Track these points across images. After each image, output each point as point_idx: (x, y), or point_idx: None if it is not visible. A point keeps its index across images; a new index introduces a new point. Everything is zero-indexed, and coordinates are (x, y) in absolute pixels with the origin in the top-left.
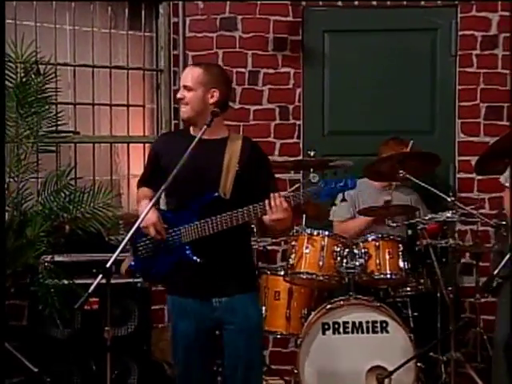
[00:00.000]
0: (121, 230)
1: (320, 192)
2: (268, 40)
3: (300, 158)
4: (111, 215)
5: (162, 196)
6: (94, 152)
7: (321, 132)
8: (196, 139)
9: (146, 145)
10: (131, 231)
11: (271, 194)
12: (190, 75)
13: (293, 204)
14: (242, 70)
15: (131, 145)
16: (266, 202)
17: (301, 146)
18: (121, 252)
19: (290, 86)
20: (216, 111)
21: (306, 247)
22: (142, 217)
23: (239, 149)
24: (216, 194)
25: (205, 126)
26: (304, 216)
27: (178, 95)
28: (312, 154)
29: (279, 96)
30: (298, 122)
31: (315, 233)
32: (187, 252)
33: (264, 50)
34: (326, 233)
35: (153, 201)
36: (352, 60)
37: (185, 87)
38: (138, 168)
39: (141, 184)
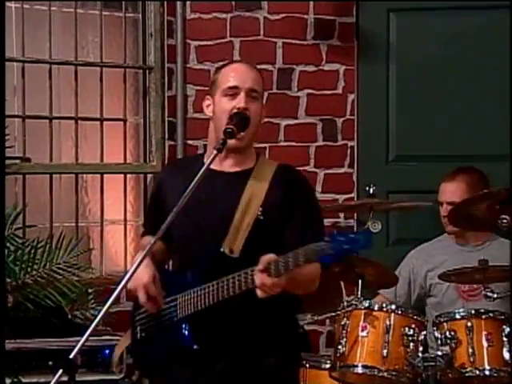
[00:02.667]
0: (91, 302)
1: (322, 250)
2: (306, 23)
3: (353, 195)
4: (76, 281)
5: None
6: (52, 187)
7: (384, 158)
8: (201, 171)
9: (129, 176)
10: (111, 298)
11: (255, 270)
12: (255, 74)
13: (281, 272)
14: (269, 67)
15: (106, 176)
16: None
17: (354, 177)
18: (93, 335)
19: (339, 91)
20: (232, 129)
21: (363, 328)
22: (128, 274)
23: (267, 183)
24: (220, 250)
25: (214, 152)
26: (360, 281)
27: (243, 104)
28: (371, 189)
29: (323, 105)
30: (350, 144)
31: (376, 307)
32: (184, 333)
33: (300, 37)
34: (393, 307)
35: (145, 251)
36: (431, 52)
37: (251, 91)
38: (116, 210)
39: (145, 232)
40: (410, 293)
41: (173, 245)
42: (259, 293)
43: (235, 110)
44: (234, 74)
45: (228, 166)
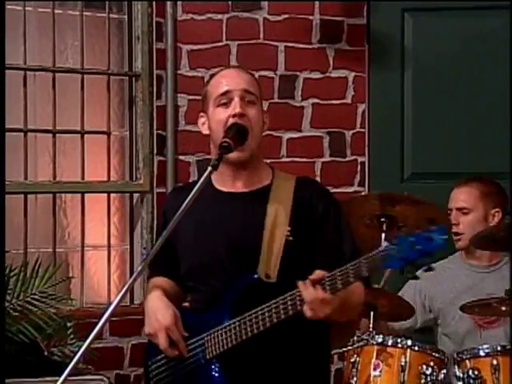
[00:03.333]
0: (70, 337)
1: (388, 255)
2: (311, 25)
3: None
4: (54, 313)
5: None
6: (27, 208)
7: (399, 175)
8: (196, 188)
9: (112, 195)
10: (93, 332)
11: (300, 283)
12: (248, 77)
13: (338, 287)
14: (270, 73)
15: (88, 196)
16: (299, 287)
17: None
18: (72, 375)
19: (348, 101)
20: (228, 143)
21: (376, 366)
22: (113, 306)
23: (290, 200)
24: (255, 277)
25: (209, 168)
26: (372, 313)
27: (238, 109)
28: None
29: (330, 116)
30: (360, 159)
31: (390, 342)
32: (214, 375)
33: (305, 41)
34: (409, 342)
35: (128, 283)
36: (451, 56)
37: (246, 93)
38: (98, 234)
39: (151, 272)
40: (416, 320)
41: (185, 282)
42: (308, 312)
43: (231, 120)
44: (224, 80)
45: (241, 185)
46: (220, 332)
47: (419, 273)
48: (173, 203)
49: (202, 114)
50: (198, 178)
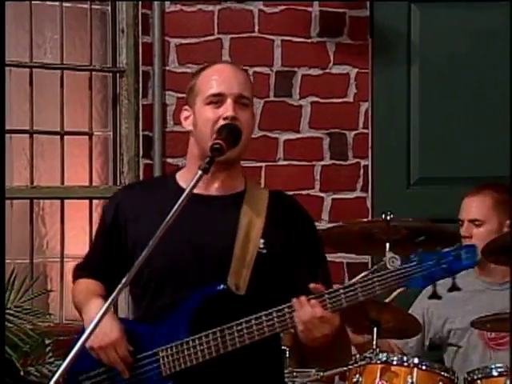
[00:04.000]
0: (48, 355)
1: (410, 273)
2: (310, 17)
3: (368, 224)
4: (31, 329)
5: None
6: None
7: (404, 180)
8: (186, 192)
9: (95, 202)
10: (70, 356)
11: (295, 300)
12: (242, 77)
13: (342, 304)
14: (265, 70)
15: (68, 202)
16: (293, 305)
17: (369, 204)
18: None
19: (350, 99)
20: (220, 145)
21: None
22: (89, 330)
23: (264, 212)
24: (222, 287)
25: (199, 172)
26: (375, 329)
27: (230, 112)
28: (389, 218)
29: (330, 116)
30: (363, 163)
31: (395, 360)
32: None
33: (303, 34)
34: (416, 360)
35: (110, 300)
36: (461, 51)
37: (240, 97)
38: (79, 244)
39: (81, 272)
40: (423, 338)
41: (136, 288)
42: (303, 332)
43: (222, 121)
44: (218, 78)
45: (215, 189)
46: (181, 348)
47: (443, 292)
48: (128, 201)
49: (186, 107)
50: (162, 177)
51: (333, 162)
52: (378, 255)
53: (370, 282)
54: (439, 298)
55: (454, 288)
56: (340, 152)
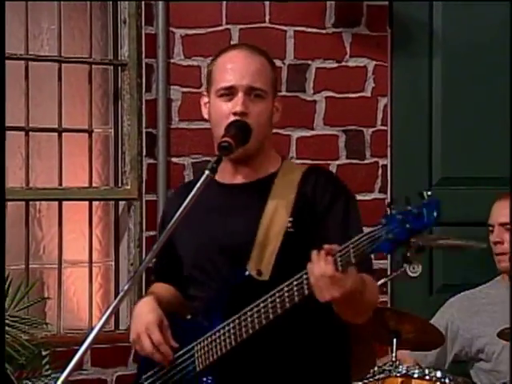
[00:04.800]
0: (45, 367)
1: (377, 237)
2: (325, 6)
3: None
4: (26, 340)
5: None
6: None
7: (426, 180)
8: (191, 195)
9: (95, 203)
10: (73, 362)
11: (314, 252)
12: (257, 65)
13: (341, 265)
14: (277, 62)
15: (66, 204)
16: (311, 256)
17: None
18: None
19: (368, 94)
20: (228, 143)
21: None
22: (95, 330)
23: (294, 189)
24: (246, 274)
25: (206, 173)
26: (395, 340)
27: (241, 107)
28: None
29: (346, 112)
30: (382, 162)
31: (417, 373)
32: None
33: (318, 24)
34: (439, 374)
35: (124, 289)
36: (486, 42)
37: (252, 90)
38: (78, 248)
39: (154, 277)
40: (446, 352)
41: (186, 290)
42: (320, 293)
43: (232, 117)
44: (230, 68)
45: (243, 177)
46: (210, 339)
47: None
48: (173, 207)
49: (205, 93)
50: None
51: (349, 161)
52: (396, 261)
53: (353, 242)
54: (410, 262)
55: (420, 248)
56: (357, 150)
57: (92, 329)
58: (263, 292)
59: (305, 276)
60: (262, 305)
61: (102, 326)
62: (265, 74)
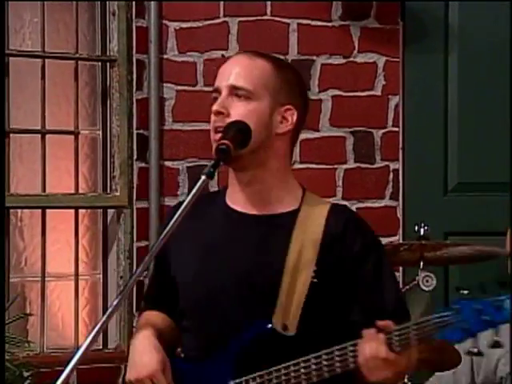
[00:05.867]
0: None
1: (447, 324)
2: None
3: (397, 237)
4: (7, 360)
5: None
6: None
7: (441, 186)
8: (184, 205)
9: (81, 211)
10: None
11: (366, 331)
12: (248, 67)
13: (398, 345)
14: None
15: (50, 212)
16: (359, 344)
17: (399, 213)
18: None
19: (378, 92)
20: (226, 145)
21: None
22: (82, 349)
23: (320, 233)
24: (269, 327)
25: (202, 178)
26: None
27: (216, 106)
28: (423, 230)
29: (354, 112)
30: (393, 166)
31: None
32: None
33: (323, 17)
34: None
35: (104, 319)
36: (506, 37)
37: (234, 89)
38: (63, 260)
39: (145, 304)
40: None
41: (183, 319)
42: (369, 373)
43: (213, 118)
44: (222, 69)
45: (255, 206)
46: None
47: (484, 347)
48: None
49: None
50: (215, 192)
51: (357, 165)
52: (410, 273)
53: (420, 324)
54: (481, 354)
55: (495, 345)
56: (366, 154)
57: (78, 348)
58: (286, 349)
59: (350, 348)
60: (292, 368)
61: (89, 345)
62: (256, 75)
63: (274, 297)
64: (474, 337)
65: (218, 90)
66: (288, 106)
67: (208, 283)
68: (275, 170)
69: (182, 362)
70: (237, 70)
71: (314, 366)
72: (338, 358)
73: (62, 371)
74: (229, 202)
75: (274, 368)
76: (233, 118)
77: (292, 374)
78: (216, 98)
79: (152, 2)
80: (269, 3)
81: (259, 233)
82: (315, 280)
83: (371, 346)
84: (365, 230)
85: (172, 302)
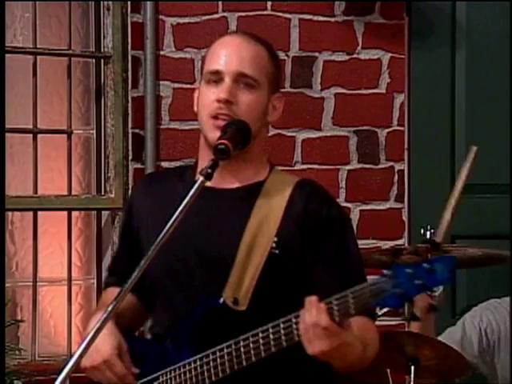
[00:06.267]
0: None
1: (382, 290)
2: None
3: (403, 241)
4: None
5: None
6: None
7: (448, 187)
8: (183, 204)
9: (74, 214)
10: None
11: (307, 298)
12: (252, 54)
13: (337, 315)
14: (280, 55)
15: (42, 214)
16: (300, 314)
17: (405, 216)
18: None
19: (382, 90)
20: (225, 145)
21: None
22: (75, 356)
23: (283, 204)
24: (219, 302)
25: (200, 179)
26: (413, 368)
27: (224, 93)
28: (429, 233)
29: (358, 110)
30: (398, 167)
31: None
32: None
33: (326, 12)
34: None
35: (106, 312)
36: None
37: (241, 77)
38: (56, 264)
39: (109, 279)
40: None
41: (148, 297)
42: (308, 344)
43: (215, 105)
44: (221, 51)
45: (228, 180)
46: (177, 372)
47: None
48: (140, 197)
49: (198, 85)
50: (184, 167)
51: (361, 165)
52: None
53: (351, 293)
54: (417, 319)
55: (431, 308)
56: (370, 154)
57: (71, 356)
58: (238, 324)
59: (294, 320)
60: (242, 343)
61: (83, 353)
62: (259, 62)
63: (228, 269)
64: (410, 302)
65: (219, 74)
66: (278, 94)
67: (170, 258)
68: (256, 154)
69: (142, 342)
70: (243, 56)
71: (261, 341)
72: (283, 332)
73: (55, 380)
74: (197, 178)
75: (225, 344)
76: (240, 107)
77: (242, 350)
78: (214, 82)
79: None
80: None
81: (221, 205)
82: (276, 251)
83: (311, 314)
84: (329, 202)
85: (139, 279)
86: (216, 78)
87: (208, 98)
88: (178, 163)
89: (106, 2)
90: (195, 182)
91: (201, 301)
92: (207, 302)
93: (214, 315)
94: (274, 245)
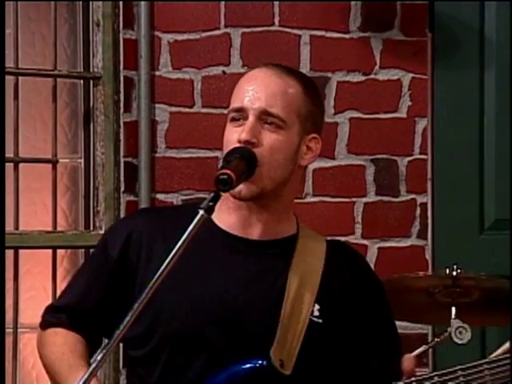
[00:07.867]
0: None
1: None
2: (349, 6)
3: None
4: None
5: None
6: None
7: (476, 222)
8: (183, 238)
9: (60, 252)
10: None
11: None
12: (280, 90)
13: None
14: None
15: (23, 253)
16: None
17: (428, 254)
18: None
19: (403, 114)
20: (228, 175)
21: None
22: None
23: (320, 266)
24: (262, 362)
25: (200, 213)
26: None
27: (246, 135)
28: (455, 273)
29: (376, 137)
30: (421, 200)
31: None
32: None
33: (340, 28)
34: None
35: (93, 367)
36: None
37: (265, 115)
38: (38, 308)
39: (57, 318)
40: None
41: (145, 350)
42: None
43: (236, 145)
44: (245, 87)
45: (257, 232)
46: None
47: None
48: (147, 230)
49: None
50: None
51: (379, 198)
52: (440, 323)
53: (476, 370)
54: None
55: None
56: (389, 185)
57: None
58: None
59: None
60: None
61: None
62: (289, 99)
63: (272, 331)
64: None
65: (242, 111)
66: (314, 135)
67: (192, 315)
68: (288, 201)
69: None
70: (269, 92)
71: None
72: None
73: None
74: (219, 224)
75: None
76: (264, 149)
77: None
78: (236, 120)
79: (142, 11)
80: (277, 12)
81: (255, 259)
82: (320, 321)
83: None
84: (368, 269)
85: (108, 326)
86: (239, 116)
87: (231, 138)
88: (174, 195)
89: (95, 17)
90: (219, 228)
91: (245, 360)
92: (249, 361)
93: (259, 375)
94: (317, 313)
